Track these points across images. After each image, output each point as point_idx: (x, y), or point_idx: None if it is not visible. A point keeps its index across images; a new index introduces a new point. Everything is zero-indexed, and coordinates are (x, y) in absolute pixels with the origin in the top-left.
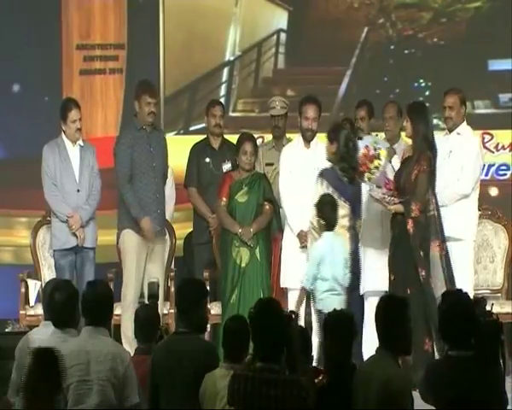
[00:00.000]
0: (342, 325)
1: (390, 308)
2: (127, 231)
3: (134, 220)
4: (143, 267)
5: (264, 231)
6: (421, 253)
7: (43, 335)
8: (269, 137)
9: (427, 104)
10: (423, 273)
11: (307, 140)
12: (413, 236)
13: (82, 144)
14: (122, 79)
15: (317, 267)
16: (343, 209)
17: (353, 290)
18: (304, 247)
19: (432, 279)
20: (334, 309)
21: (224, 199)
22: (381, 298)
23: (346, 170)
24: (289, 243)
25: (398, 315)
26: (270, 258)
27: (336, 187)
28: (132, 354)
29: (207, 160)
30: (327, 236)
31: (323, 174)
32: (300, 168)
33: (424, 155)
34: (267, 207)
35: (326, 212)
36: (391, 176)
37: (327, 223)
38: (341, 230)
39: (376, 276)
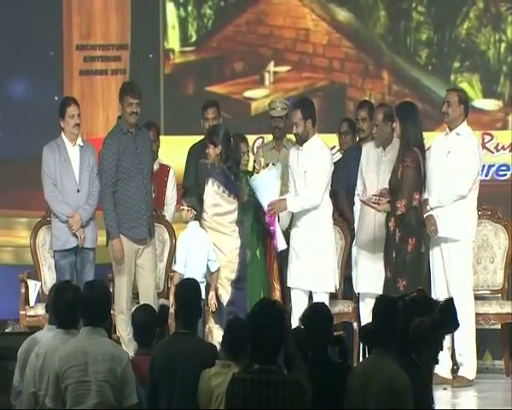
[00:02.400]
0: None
1: (385, 309)
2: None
3: (122, 224)
4: (134, 269)
5: (261, 229)
6: (394, 254)
7: (47, 337)
8: (269, 137)
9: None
10: (389, 274)
11: (297, 142)
12: (392, 234)
13: (82, 144)
14: (125, 79)
15: (187, 253)
16: (232, 205)
17: (239, 282)
18: None
19: (400, 280)
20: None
21: None
22: (377, 299)
23: (231, 168)
24: (296, 243)
25: (389, 316)
26: (266, 256)
27: (226, 186)
28: (133, 355)
29: (206, 160)
30: (193, 225)
31: (213, 175)
32: (292, 169)
33: (409, 152)
34: None
35: (193, 203)
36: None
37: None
38: (230, 224)
39: (371, 278)
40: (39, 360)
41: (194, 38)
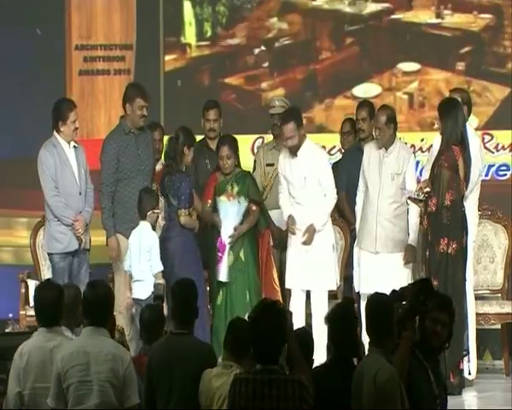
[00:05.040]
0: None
1: (376, 307)
2: (116, 234)
3: (122, 224)
4: None
5: (249, 230)
6: (428, 252)
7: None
8: (269, 137)
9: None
10: (423, 273)
11: (293, 153)
12: (425, 232)
13: (76, 145)
14: (130, 79)
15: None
16: (160, 202)
17: (168, 277)
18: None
19: (433, 279)
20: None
21: (209, 201)
22: (369, 297)
23: (168, 164)
24: (294, 244)
25: (384, 313)
26: (256, 257)
27: (160, 184)
28: (137, 353)
29: (206, 161)
30: (142, 225)
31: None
32: (290, 176)
33: (447, 151)
34: (253, 208)
35: (140, 203)
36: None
37: (139, 212)
38: (160, 220)
39: (372, 278)
40: (23, 360)
41: (209, 34)
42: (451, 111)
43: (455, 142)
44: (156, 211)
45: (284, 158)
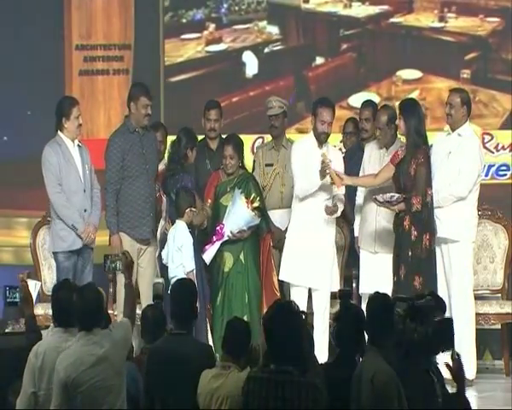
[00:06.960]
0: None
1: (375, 306)
2: (119, 233)
3: (125, 223)
4: (136, 269)
5: (250, 234)
6: (410, 252)
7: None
8: (269, 137)
9: None
10: (402, 273)
11: (320, 142)
12: (407, 232)
13: (80, 144)
14: (128, 79)
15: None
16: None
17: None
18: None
19: (416, 277)
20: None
21: (209, 201)
22: (369, 297)
23: (173, 168)
24: (293, 238)
25: (383, 313)
26: (257, 260)
27: (163, 182)
28: (139, 353)
29: (206, 161)
30: (176, 222)
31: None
32: (315, 167)
33: (419, 148)
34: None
35: (177, 200)
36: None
37: (176, 210)
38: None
39: (371, 278)
40: (39, 360)
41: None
42: (414, 111)
43: (422, 141)
44: (194, 209)
45: (302, 150)
